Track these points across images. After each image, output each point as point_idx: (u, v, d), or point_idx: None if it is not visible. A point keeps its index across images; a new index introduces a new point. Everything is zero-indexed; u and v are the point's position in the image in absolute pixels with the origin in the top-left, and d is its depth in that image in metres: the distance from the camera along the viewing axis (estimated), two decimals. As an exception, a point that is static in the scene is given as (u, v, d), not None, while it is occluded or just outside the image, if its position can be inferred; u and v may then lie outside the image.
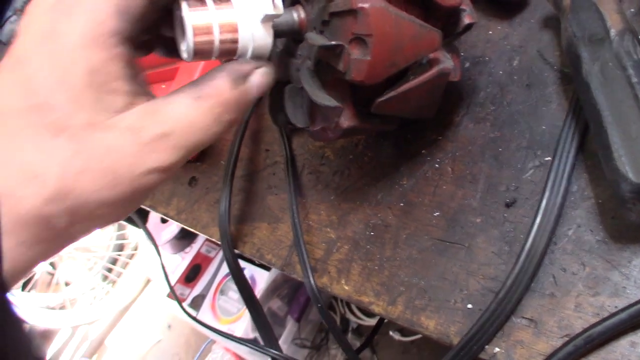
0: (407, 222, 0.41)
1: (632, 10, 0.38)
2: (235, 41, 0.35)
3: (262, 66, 0.35)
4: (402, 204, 0.42)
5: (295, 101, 0.39)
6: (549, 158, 0.37)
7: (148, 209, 0.60)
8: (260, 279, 1.36)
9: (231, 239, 0.50)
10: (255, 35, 0.35)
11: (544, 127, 0.39)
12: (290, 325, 1.39)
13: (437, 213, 0.40)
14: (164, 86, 0.64)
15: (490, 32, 0.44)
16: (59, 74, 0.28)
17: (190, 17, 0.33)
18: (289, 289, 1.45)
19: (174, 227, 1.53)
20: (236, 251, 0.50)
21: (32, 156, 0.28)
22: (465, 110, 0.43)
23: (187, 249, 1.58)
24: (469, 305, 0.36)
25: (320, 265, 0.44)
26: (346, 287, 0.42)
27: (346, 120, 0.37)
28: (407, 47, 0.34)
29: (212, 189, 0.56)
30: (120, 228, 1.89)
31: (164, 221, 1.51)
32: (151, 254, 1.83)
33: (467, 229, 0.39)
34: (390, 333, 1.34)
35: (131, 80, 0.30)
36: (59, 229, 0.28)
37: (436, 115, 0.42)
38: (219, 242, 0.51)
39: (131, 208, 0.31)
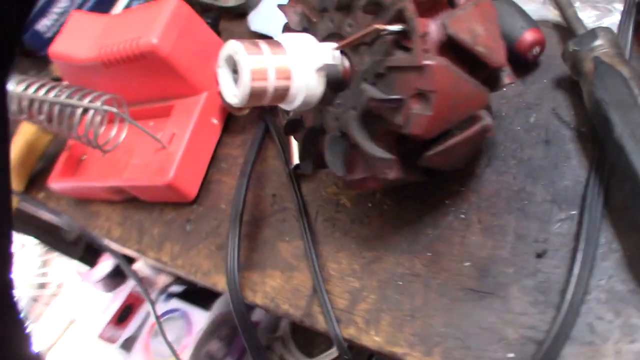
0: (437, 271, 0.42)
1: None
2: (287, 88, 0.35)
3: None
4: (429, 254, 0.43)
5: (335, 149, 0.40)
6: (575, 212, 0.40)
7: (136, 253, 0.57)
8: (198, 320, 1.31)
9: (240, 289, 0.48)
10: (309, 84, 0.36)
11: (566, 183, 0.41)
12: (229, 368, 1.34)
13: (468, 263, 0.42)
14: (151, 123, 0.61)
15: (505, 90, 0.47)
16: None
17: (248, 61, 0.33)
18: (229, 330, 1.40)
19: (107, 264, 1.46)
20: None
21: None
22: (486, 163, 0.45)
23: (120, 288, 1.51)
24: (510, 355, 0.37)
25: (345, 316, 0.44)
26: (376, 338, 0.42)
27: (392, 172, 0.37)
28: (462, 104, 0.35)
29: (213, 233, 0.54)
30: (44, 265, 1.76)
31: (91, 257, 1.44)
32: (78, 292, 1.72)
33: (499, 279, 0.40)
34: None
35: None
36: None
37: (457, 167, 0.43)
38: (222, 291, 0.49)
39: None
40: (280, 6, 0.42)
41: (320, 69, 0.36)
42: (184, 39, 0.54)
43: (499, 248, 0.41)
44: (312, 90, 0.36)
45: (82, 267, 1.49)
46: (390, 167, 0.37)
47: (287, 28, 0.42)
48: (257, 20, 0.60)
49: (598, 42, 0.41)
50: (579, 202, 0.40)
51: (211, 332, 1.31)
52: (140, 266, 1.38)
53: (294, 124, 0.44)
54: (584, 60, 0.41)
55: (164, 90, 0.57)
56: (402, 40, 0.34)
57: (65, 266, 1.79)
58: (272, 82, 0.34)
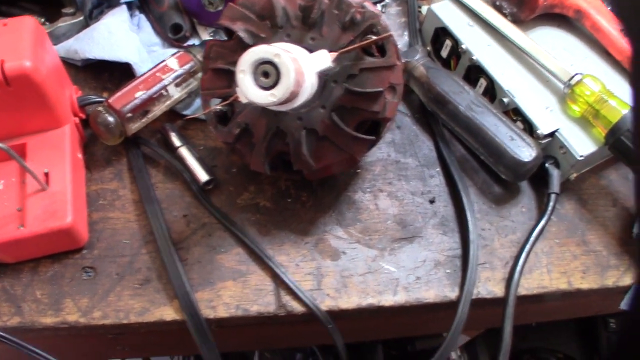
0: (371, 233, 0.53)
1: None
2: (300, 90, 0.41)
3: None
4: (357, 224, 0.53)
5: (308, 143, 0.46)
6: (438, 169, 0.58)
7: (18, 326, 0.46)
8: None
9: (197, 309, 0.47)
10: (313, 86, 0.43)
11: (425, 152, 0.59)
12: None
13: (389, 222, 0.54)
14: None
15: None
16: None
17: (292, 64, 0.38)
18: None
19: None
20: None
21: None
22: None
23: None
24: (448, 270, 0.52)
25: (317, 294, 0.49)
26: (352, 299, 0.49)
27: (361, 154, 0.47)
28: (402, 95, 0.48)
29: (128, 271, 0.49)
30: None
31: None
32: None
33: (416, 224, 0.54)
34: None
35: None
36: None
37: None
38: (172, 320, 0.47)
39: None
40: (224, 23, 0.45)
41: (319, 73, 0.42)
42: (47, 60, 0.47)
43: (404, 205, 0.55)
44: (312, 90, 0.42)
45: None
46: (368, 147, 0.46)
47: (238, 43, 0.45)
48: (89, 47, 0.56)
49: (419, 55, 0.60)
50: (438, 162, 0.58)
51: None
52: None
53: (242, 133, 0.47)
54: (415, 67, 0.59)
55: (16, 125, 0.47)
56: (369, 48, 0.45)
57: None
58: (301, 83, 0.39)
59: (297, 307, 0.49)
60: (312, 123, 0.46)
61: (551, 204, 0.54)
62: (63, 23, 0.58)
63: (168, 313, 0.48)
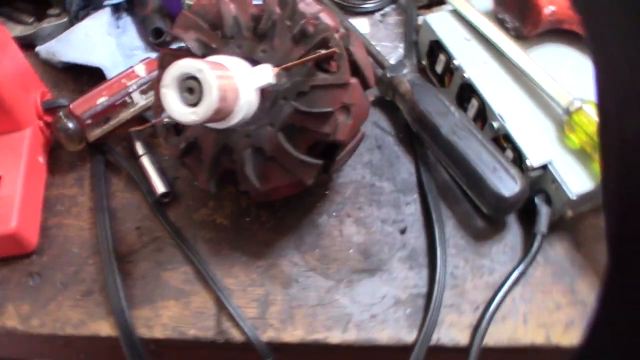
0: (329, 262, 0.49)
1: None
2: (234, 107, 0.38)
3: None
4: (317, 250, 0.50)
5: (252, 164, 0.43)
6: (415, 195, 0.53)
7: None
8: None
9: (132, 327, 0.45)
10: (251, 103, 0.39)
11: (403, 176, 0.54)
12: None
13: (351, 250, 0.50)
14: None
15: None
16: None
17: (215, 79, 0.35)
18: None
19: None
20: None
21: None
22: (339, 168, 0.54)
23: None
24: (408, 310, 0.47)
25: (260, 322, 0.46)
26: (296, 332, 0.46)
27: (309, 178, 0.43)
28: (362, 115, 0.44)
29: (72, 281, 0.48)
30: None
31: None
32: None
33: (380, 256, 0.50)
34: None
35: None
36: None
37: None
38: (106, 336, 0.45)
39: None
40: (175, 32, 0.43)
41: (258, 88, 0.39)
42: (7, 63, 0.47)
43: (371, 233, 0.51)
44: (251, 109, 0.39)
45: None
46: (315, 171, 0.43)
47: (189, 53, 0.43)
48: (66, 50, 0.56)
49: (407, 70, 0.55)
50: (416, 188, 0.53)
51: None
52: None
53: (190, 148, 0.45)
54: (400, 83, 0.54)
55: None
56: (323, 63, 0.41)
57: None
58: (229, 101, 0.36)
59: (236, 336, 0.46)
60: (260, 142, 0.42)
61: (536, 244, 0.48)
62: (48, 24, 0.58)
63: (104, 328, 0.46)
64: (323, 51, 0.40)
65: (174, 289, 0.48)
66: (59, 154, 0.55)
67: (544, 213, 0.49)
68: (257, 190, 0.44)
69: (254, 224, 0.51)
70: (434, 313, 0.46)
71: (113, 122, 0.52)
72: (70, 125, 0.50)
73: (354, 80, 0.41)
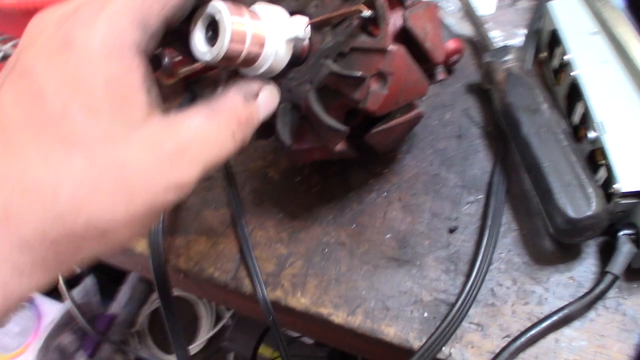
0: (361, 241, 0.46)
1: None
2: (258, 55, 0.37)
3: (269, 85, 0.38)
4: (354, 226, 0.47)
5: (285, 119, 0.42)
6: (481, 196, 0.46)
7: None
8: (49, 311, 1.23)
9: (163, 251, 0.48)
10: (278, 53, 0.38)
11: (475, 172, 0.48)
12: (81, 362, 1.27)
13: (389, 235, 0.46)
14: None
15: (425, 89, 0.53)
16: (73, 85, 0.27)
17: (231, 22, 0.34)
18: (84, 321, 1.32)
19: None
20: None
21: (39, 172, 0.26)
22: (406, 150, 0.50)
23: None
24: (425, 314, 0.42)
25: (272, 280, 0.46)
26: (303, 300, 0.44)
27: (340, 143, 0.41)
28: (409, 89, 0.40)
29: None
30: None
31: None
32: None
33: (416, 249, 0.45)
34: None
35: (148, 93, 0.29)
36: (65, 252, 0.26)
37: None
38: (139, 254, 0.49)
39: (143, 229, 0.29)
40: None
41: (290, 40, 0.38)
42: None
43: (417, 223, 0.46)
44: (280, 60, 0.38)
45: None
46: (340, 138, 0.40)
47: None
48: None
49: (509, 57, 0.48)
50: (485, 188, 0.47)
51: (64, 323, 1.23)
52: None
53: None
54: (497, 70, 0.48)
55: None
56: (368, 26, 0.38)
57: None
58: (247, 47, 0.35)
59: (246, 285, 0.46)
60: (298, 98, 0.41)
61: (601, 285, 0.40)
62: None
63: (140, 244, 0.49)
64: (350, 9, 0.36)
65: (209, 227, 0.49)
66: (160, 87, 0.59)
67: (624, 252, 0.40)
68: (287, 148, 0.43)
69: (302, 185, 0.50)
70: (451, 324, 0.40)
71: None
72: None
73: (395, 48, 0.37)
